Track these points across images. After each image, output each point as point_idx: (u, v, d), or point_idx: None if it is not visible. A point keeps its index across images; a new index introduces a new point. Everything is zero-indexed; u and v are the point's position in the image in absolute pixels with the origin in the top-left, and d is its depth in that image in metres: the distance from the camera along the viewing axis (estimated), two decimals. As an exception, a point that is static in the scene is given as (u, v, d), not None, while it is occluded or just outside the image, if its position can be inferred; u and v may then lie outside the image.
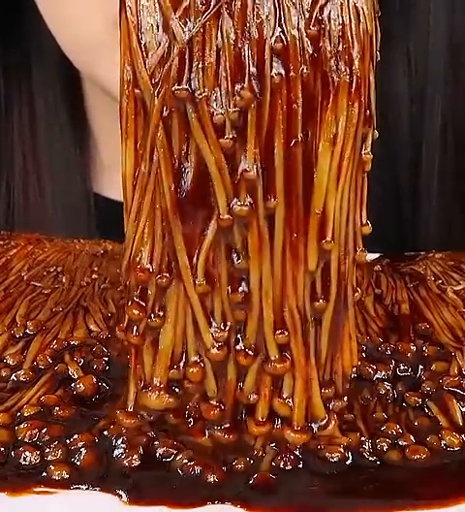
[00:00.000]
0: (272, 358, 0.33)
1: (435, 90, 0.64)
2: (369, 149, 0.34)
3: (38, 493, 0.32)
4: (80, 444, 0.34)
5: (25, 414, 0.36)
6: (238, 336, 0.33)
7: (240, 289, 0.32)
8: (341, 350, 0.35)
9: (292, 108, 0.31)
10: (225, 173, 0.31)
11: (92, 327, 0.44)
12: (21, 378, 0.39)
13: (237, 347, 0.33)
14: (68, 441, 0.34)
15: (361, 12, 0.32)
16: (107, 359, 0.41)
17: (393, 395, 0.39)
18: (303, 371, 0.33)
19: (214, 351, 0.33)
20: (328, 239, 0.32)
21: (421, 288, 0.49)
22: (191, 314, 0.33)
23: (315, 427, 0.34)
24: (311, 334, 0.33)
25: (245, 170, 0.31)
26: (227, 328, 0.33)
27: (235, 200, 0.31)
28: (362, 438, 0.35)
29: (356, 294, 0.35)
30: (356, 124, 0.32)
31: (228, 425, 0.34)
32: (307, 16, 0.31)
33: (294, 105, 0.31)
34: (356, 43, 0.31)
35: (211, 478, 0.33)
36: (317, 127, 0.31)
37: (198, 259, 0.32)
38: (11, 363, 0.41)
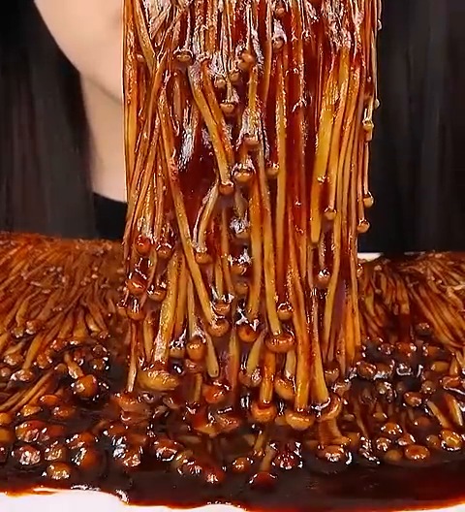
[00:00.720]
0: (275, 333, 0.32)
1: (434, 90, 0.65)
2: (370, 118, 0.33)
3: (38, 493, 0.32)
4: (80, 444, 0.34)
5: (25, 414, 0.36)
6: (240, 310, 0.32)
7: (242, 260, 0.32)
8: (344, 328, 0.34)
9: (293, 72, 0.31)
10: (226, 139, 0.31)
11: (92, 327, 0.44)
12: (21, 378, 0.39)
13: (239, 322, 0.32)
14: (68, 441, 0.34)
15: None
16: (107, 359, 0.41)
17: (393, 395, 0.39)
18: (306, 349, 0.32)
19: (215, 326, 0.32)
20: (331, 207, 0.32)
21: (421, 288, 0.49)
22: (192, 286, 0.32)
23: (318, 410, 0.33)
24: (314, 309, 0.32)
25: (246, 134, 0.31)
26: (228, 301, 0.32)
27: (236, 165, 0.31)
28: (362, 438, 0.35)
29: (359, 269, 0.34)
30: (357, 90, 0.32)
31: (230, 409, 0.33)
32: None
33: (296, 69, 0.31)
34: (357, 8, 0.32)
35: (211, 478, 0.33)
36: (319, 93, 0.31)
37: (198, 228, 0.31)
38: (11, 363, 0.41)
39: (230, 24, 0.30)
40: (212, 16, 0.30)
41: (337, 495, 0.33)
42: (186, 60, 0.30)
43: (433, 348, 0.42)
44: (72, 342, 0.42)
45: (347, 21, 0.31)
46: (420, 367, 0.41)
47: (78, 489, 0.32)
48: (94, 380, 0.39)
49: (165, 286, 0.32)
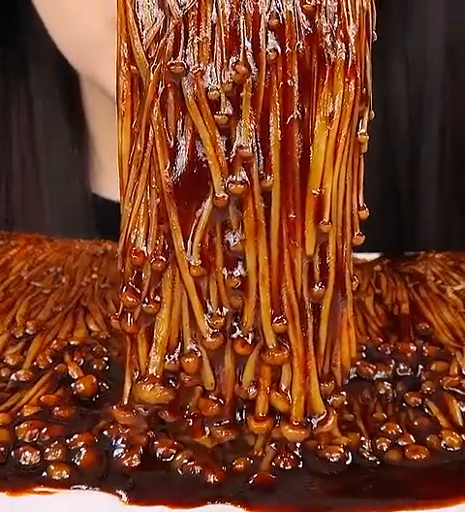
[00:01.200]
0: (270, 347, 0.32)
1: (433, 92, 0.65)
2: (365, 129, 0.33)
3: (38, 493, 0.32)
4: (80, 444, 0.34)
5: (25, 414, 0.36)
6: (235, 324, 0.32)
7: (236, 273, 0.31)
8: (340, 340, 0.34)
9: (287, 84, 0.30)
10: (220, 151, 0.30)
11: (92, 327, 0.44)
12: (21, 378, 0.39)
13: (234, 335, 0.32)
14: (68, 441, 0.34)
15: None
16: (107, 359, 0.41)
17: (393, 395, 0.39)
18: (302, 362, 0.32)
19: (210, 339, 0.32)
20: (326, 220, 0.31)
21: (421, 288, 0.49)
22: (186, 299, 0.32)
23: (314, 422, 0.33)
24: (309, 322, 0.32)
25: (240, 146, 0.30)
26: (223, 314, 0.32)
27: (231, 177, 0.31)
28: (362, 438, 0.35)
29: (354, 282, 0.34)
30: (352, 102, 0.31)
31: (227, 422, 0.33)
32: None
33: (290, 81, 0.30)
34: (352, 20, 0.31)
35: (211, 478, 0.33)
36: (313, 105, 0.31)
37: (193, 240, 0.31)
38: (11, 363, 0.41)
39: (223, 35, 0.30)
40: (206, 28, 0.30)
41: (337, 495, 0.33)
42: (180, 72, 0.30)
43: (433, 348, 0.42)
44: (72, 342, 0.42)
45: (341, 33, 0.31)
46: (420, 367, 0.41)
47: (78, 489, 0.32)
48: (94, 380, 0.39)
49: (159, 299, 0.32)
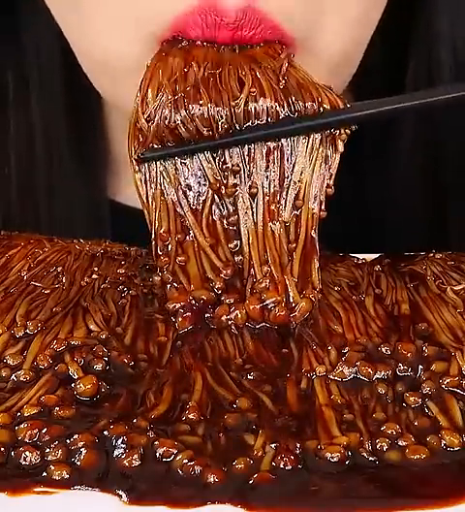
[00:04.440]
0: (260, 279, 0.44)
1: None
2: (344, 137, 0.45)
3: (38, 493, 0.32)
4: (80, 444, 0.34)
5: (25, 414, 0.36)
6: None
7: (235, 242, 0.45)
8: (310, 274, 0.45)
9: None
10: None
11: (92, 327, 0.44)
12: (21, 378, 0.39)
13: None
14: (68, 441, 0.34)
15: None
16: (107, 359, 0.41)
17: (393, 395, 0.39)
18: (282, 280, 0.44)
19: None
20: (300, 201, 0.45)
21: (421, 288, 0.49)
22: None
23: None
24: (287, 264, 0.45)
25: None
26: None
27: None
28: (362, 438, 0.35)
29: (322, 213, 0.46)
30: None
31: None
32: None
33: None
34: None
35: (211, 478, 0.33)
36: None
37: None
38: (11, 363, 0.41)
39: None
40: None
41: (337, 495, 0.33)
42: None
43: (433, 348, 0.42)
44: (72, 342, 0.42)
45: None
46: (420, 366, 0.41)
47: (78, 489, 0.32)
48: (94, 380, 0.39)
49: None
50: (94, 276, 0.50)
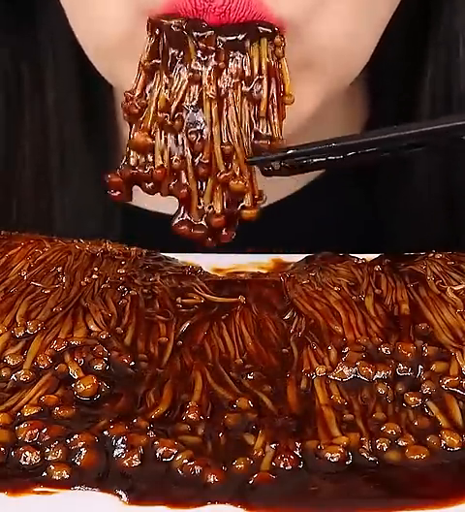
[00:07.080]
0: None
1: None
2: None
3: (38, 493, 0.32)
4: (80, 444, 0.34)
5: (25, 414, 0.36)
6: None
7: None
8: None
9: None
10: None
11: (92, 327, 0.44)
12: (21, 378, 0.39)
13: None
14: (68, 441, 0.34)
15: None
16: (107, 359, 0.41)
17: (393, 395, 0.39)
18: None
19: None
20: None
21: (421, 288, 0.49)
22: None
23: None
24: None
25: None
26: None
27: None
28: (362, 438, 0.35)
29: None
30: None
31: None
32: None
33: None
34: None
35: (211, 478, 0.33)
36: None
37: None
38: (11, 363, 0.41)
39: None
40: None
41: (337, 495, 0.33)
42: None
43: (433, 348, 0.42)
44: (72, 342, 0.42)
45: None
46: (420, 366, 0.41)
47: (78, 489, 0.32)
48: (94, 380, 0.39)
49: None
50: (94, 276, 0.50)
